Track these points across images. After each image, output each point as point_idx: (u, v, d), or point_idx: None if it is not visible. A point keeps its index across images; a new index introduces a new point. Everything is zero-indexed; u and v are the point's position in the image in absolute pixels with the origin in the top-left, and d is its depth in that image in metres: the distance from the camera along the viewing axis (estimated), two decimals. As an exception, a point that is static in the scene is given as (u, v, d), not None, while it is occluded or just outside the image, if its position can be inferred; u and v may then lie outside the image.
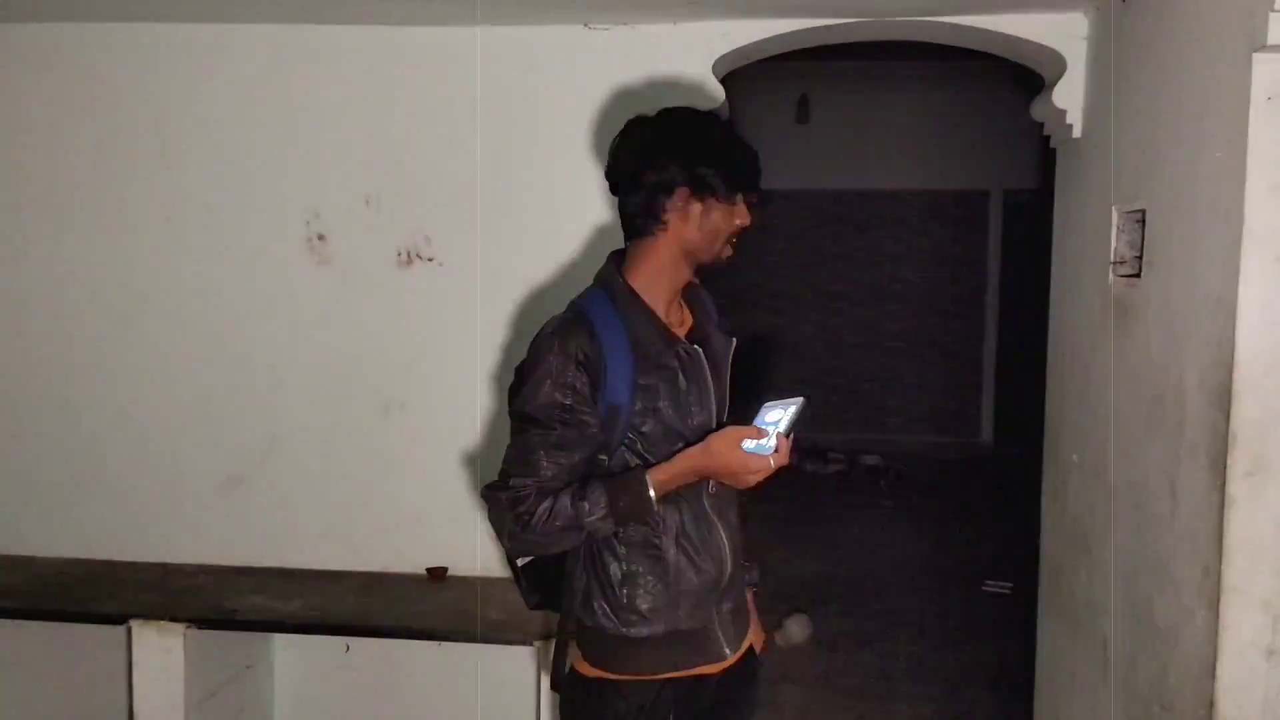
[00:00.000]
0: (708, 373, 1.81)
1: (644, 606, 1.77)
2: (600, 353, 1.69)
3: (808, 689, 3.85)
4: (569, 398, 1.69)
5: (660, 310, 1.79)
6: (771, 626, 4.22)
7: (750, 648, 1.94)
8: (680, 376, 1.76)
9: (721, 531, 1.82)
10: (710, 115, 1.84)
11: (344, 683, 3.18)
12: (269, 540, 3.08)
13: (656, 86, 2.87)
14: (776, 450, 1.64)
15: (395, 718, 3.16)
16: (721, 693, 1.87)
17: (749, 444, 1.63)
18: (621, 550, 1.77)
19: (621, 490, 1.68)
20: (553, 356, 1.69)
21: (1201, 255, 1.95)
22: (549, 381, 1.69)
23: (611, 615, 1.78)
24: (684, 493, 1.75)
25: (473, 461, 3.00)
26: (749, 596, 1.99)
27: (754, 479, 1.66)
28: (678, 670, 1.81)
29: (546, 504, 1.67)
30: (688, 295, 1.88)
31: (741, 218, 1.78)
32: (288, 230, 3.03)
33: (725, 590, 1.84)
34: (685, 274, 1.81)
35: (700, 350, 1.81)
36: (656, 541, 1.76)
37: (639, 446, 1.74)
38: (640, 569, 1.77)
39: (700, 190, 1.73)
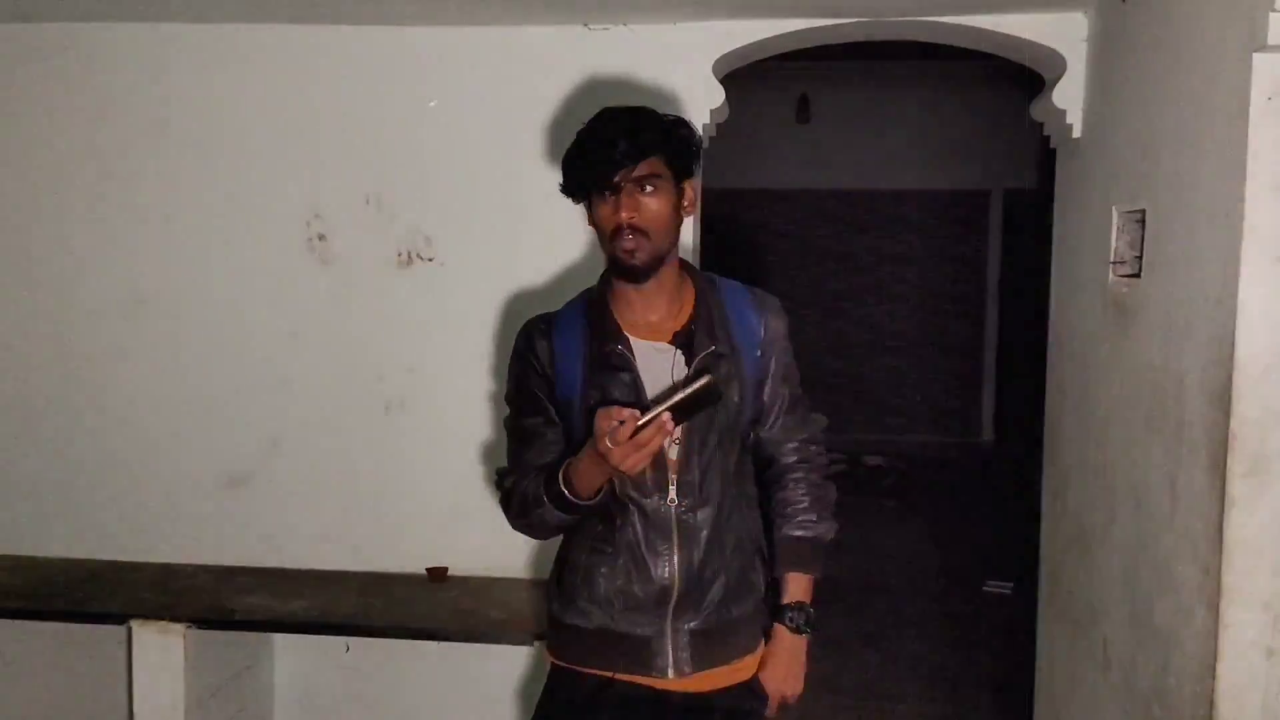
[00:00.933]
0: (634, 375, 1.77)
1: (578, 596, 1.83)
2: (551, 351, 1.81)
3: (809, 689, 3.83)
4: (523, 391, 1.85)
5: (636, 308, 1.80)
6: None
7: (740, 686, 1.86)
8: (636, 378, 1.77)
9: (678, 548, 1.77)
10: (597, 116, 1.78)
11: (344, 683, 3.17)
12: (269, 540, 3.08)
13: (656, 86, 2.87)
14: (622, 428, 1.54)
15: (395, 718, 3.16)
16: None
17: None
18: (576, 539, 1.85)
19: (550, 478, 1.75)
20: (514, 354, 1.88)
21: (1201, 255, 1.94)
22: (511, 375, 1.88)
23: (556, 598, 1.88)
24: (646, 502, 1.76)
25: (473, 461, 3.00)
26: (786, 636, 1.89)
27: (612, 458, 1.57)
28: (604, 669, 1.81)
29: (519, 489, 1.81)
30: (699, 293, 1.85)
31: (605, 214, 1.73)
32: (288, 230, 3.03)
33: (682, 605, 1.79)
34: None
35: (631, 350, 1.78)
36: (608, 537, 1.79)
37: None
38: (582, 561, 1.83)
39: (569, 193, 1.79)
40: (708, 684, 1.83)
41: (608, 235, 1.74)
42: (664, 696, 1.81)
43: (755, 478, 1.94)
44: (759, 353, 1.86)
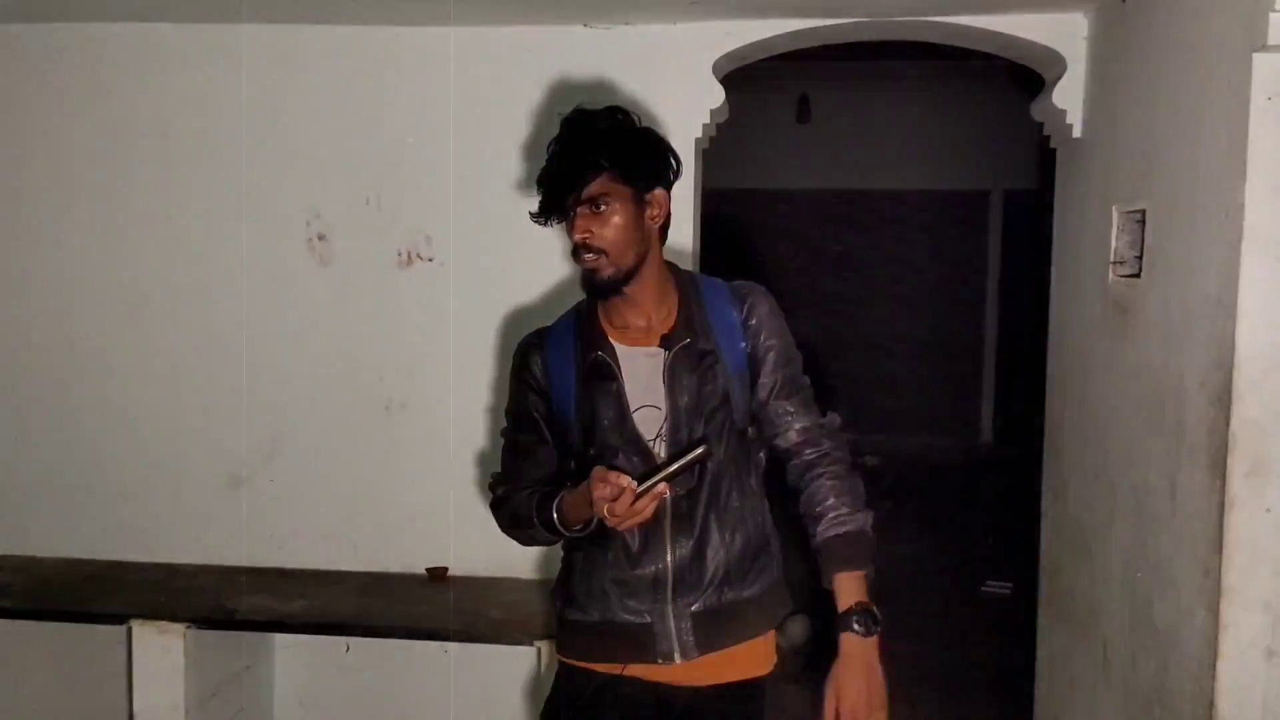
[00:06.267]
0: (619, 384, 1.78)
1: (578, 591, 1.86)
2: (545, 364, 1.85)
3: (808, 689, 3.85)
4: (519, 407, 1.88)
5: (625, 315, 1.80)
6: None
7: (747, 684, 1.84)
8: (620, 387, 1.78)
9: (670, 532, 1.77)
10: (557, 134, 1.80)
11: (344, 683, 3.18)
12: (270, 540, 3.08)
13: (656, 86, 2.87)
14: (620, 498, 1.60)
15: (395, 718, 3.16)
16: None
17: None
18: (576, 539, 1.86)
19: (543, 504, 1.79)
20: (511, 370, 1.91)
21: (1201, 255, 1.95)
22: (510, 391, 1.91)
23: (560, 596, 1.91)
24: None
25: (473, 462, 3.00)
26: (855, 643, 1.71)
27: (609, 522, 1.63)
28: (610, 662, 1.81)
29: (509, 501, 1.86)
30: (682, 293, 1.84)
31: (569, 234, 1.76)
32: (288, 230, 3.03)
33: (680, 587, 1.78)
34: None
35: (616, 357, 1.79)
36: (602, 530, 1.76)
37: (591, 453, 1.80)
38: (580, 558, 1.87)
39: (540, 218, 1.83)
40: (715, 675, 1.80)
41: (572, 253, 1.78)
42: (669, 696, 1.81)
43: (777, 492, 1.92)
44: (743, 344, 1.82)
